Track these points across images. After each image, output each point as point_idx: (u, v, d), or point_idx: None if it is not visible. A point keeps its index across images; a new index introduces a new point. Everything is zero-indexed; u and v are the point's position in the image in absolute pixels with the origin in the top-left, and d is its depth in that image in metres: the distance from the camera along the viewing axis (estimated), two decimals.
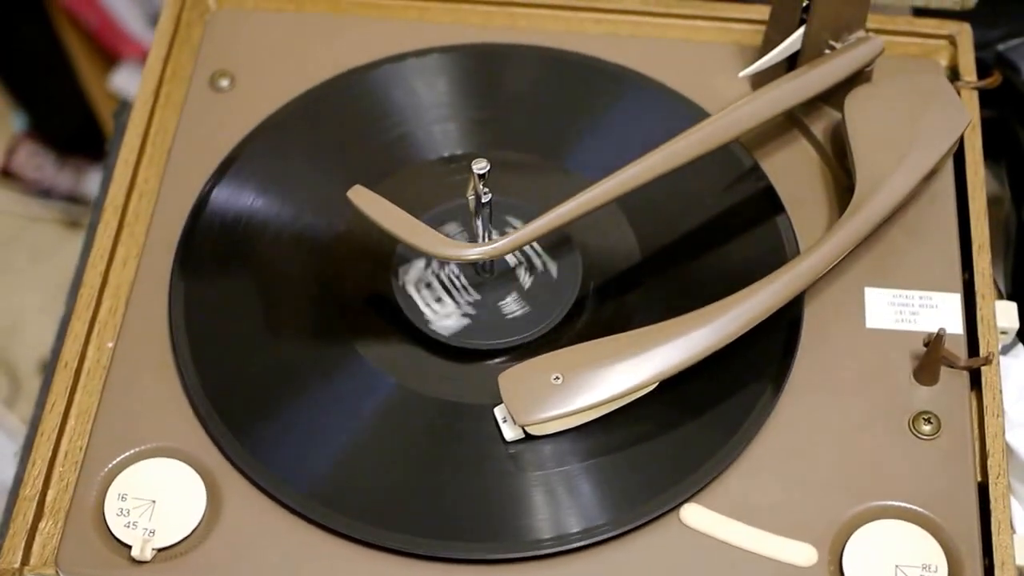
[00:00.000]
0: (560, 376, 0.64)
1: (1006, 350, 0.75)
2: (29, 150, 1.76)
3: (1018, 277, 0.77)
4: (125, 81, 1.55)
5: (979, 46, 0.82)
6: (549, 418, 0.63)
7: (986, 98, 0.80)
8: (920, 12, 0.83)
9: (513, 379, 0.64)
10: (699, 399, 0.67)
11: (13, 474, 1.45)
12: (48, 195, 1.77)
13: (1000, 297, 0.75)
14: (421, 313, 0.70)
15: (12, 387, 1.64)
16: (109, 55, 1.55)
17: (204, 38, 0.82)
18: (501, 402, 0.65)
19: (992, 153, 0.81)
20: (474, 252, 0.67)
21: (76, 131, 1.71)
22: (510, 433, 0.66)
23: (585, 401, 0.63)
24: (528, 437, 0.66)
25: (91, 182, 1.75)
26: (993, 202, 0.79)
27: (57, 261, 1.73)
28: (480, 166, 0.67)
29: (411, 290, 0.71)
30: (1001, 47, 0.84)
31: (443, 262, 0.72)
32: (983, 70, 0.80)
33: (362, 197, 0.67)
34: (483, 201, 0.69)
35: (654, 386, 0.65)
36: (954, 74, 0.80)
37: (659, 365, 0.64)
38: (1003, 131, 0.83)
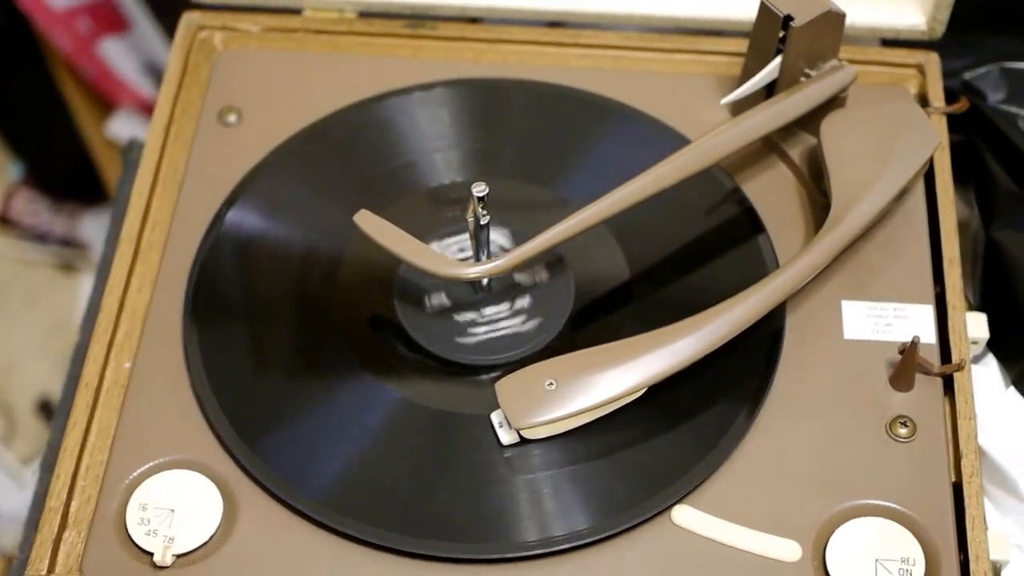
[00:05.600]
0: (554, 382, 0.67)
1: (977, 359, 0.79)
2: (26, 197, 1.78)
3: (987, 290, 0.81)
4: (121, 127, 1.57)
5: (946, 75, 0.85)
6: (543, 422, 0.67)
7: (954, 124, 0.84)
8: (889, 43, 0.87)
9: (509, 385, 0.68)
10: (689, 406, 0.71)
11: (11, 511, 1.47)
12: (43, 240, 1.79)
13: (970, 309, 0.79)
14: (482, 355, 0.74)
15: (9, 426, 1.66)
16: (106, 103, 1.57)
17: (211, 77, 0.85)
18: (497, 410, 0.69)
19: (960, 177, 0.85)
20: (474, 271, 0.70)
21: (71, 177, 1.73)
22: (506, 437, 0.69)
23: (577, 405, 0.67)
24: (523, 441, 0.69)
25: (85, 227, 1.77)
26: (962, 229, 0.82)
27: (51, 304, 1.76)
28: (479, 189, 0.71)
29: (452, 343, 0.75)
30: (968, 75, 0.88)
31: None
32: (951, 98, 0.84)
33: (367, 221, 0.71)
34: (482, 223, 0.72)
35: (643, 392, 0.69)
36: (923, 101, 0.83)
37: (647, 372, 0.67)
38: (970, 154, 0.86)
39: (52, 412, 1.34)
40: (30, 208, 1.79)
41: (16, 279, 1.79)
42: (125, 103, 1.55)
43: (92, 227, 1.77)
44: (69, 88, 1.57)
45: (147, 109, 1.53)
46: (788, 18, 0.76)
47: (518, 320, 0.75)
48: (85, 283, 1.74)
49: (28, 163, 1.77)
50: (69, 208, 1.78)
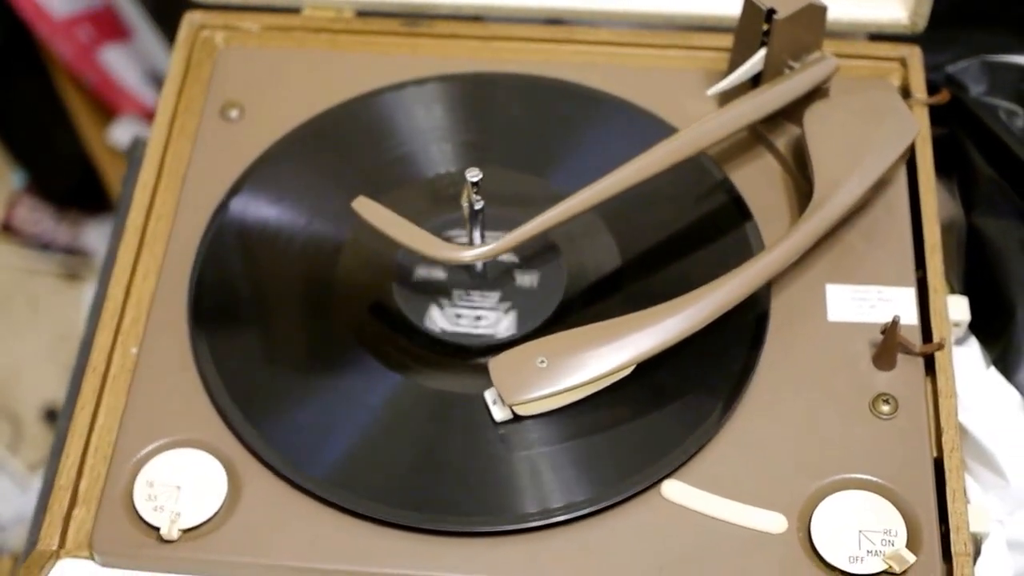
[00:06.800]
0: (545, 360, 0.69)
1: (960, 342, 0.81)
2: (29, 206, 1.79)
3: (969, 276, 0.83)
4: (123, 135, 1.58)
5: (931, 69, 0.88)
6: (535, 398, 0.69)
7: (938, 117, 0.86)
8: (875, 37, 0.90)
9: (502, 363, 0.70)
10: (678, 385, 0.73)
11: (16, 514, 1.48)
12: (47, 248, 1.81)
13: (953, 292, 0.82)
14: (478, 337, 0.76)
15: (15, 433, 1.68)
16: (108, 111, 1.58)
17: (213, 74, 0.88)
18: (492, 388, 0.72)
19: (947, 172, 0.88)
20: (469, 254, 0.73)
21: (74, 186, 1.75)
22: (499, 414, 0.71)
23: (568, 382, 0.69)
24: (517, 418, 0.71)
25: (89, 235, 1.78)
26: (949, 225, 0.85)
27: (55, 312, 1.77)
28: (473, 174, 0.73)
29: (451, 327, 0.76)
30: (950, 68, 0.90)
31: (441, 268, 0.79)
32: (935, 90, 0.86)
33: (365, 207, 0.74)
34: (476, 208, 0.75)
35: (631, 369, 0.71)
36: (906, 93, 0.85)
37: (635, 350, 0.69)
38: (953, 146, 0.89)
39: (58, 419, 1.35)
40: (33, 217, 1.80)
41: (20, 288, 1.81)
42: (127, 111, 1.57)
43: (95, 235, 1.79)
44: (71, 96, 1.59)
45: (149, 116, 1.55)
46: (771, 11, 0.78)
47: (501, 310, 0.77)
48: (89, 291, 1.75)
49: (30, 172, 1.78)
50: (72, 216, 1.80)
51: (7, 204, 1.79)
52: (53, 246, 1.81)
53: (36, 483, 1.56)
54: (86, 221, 1.79)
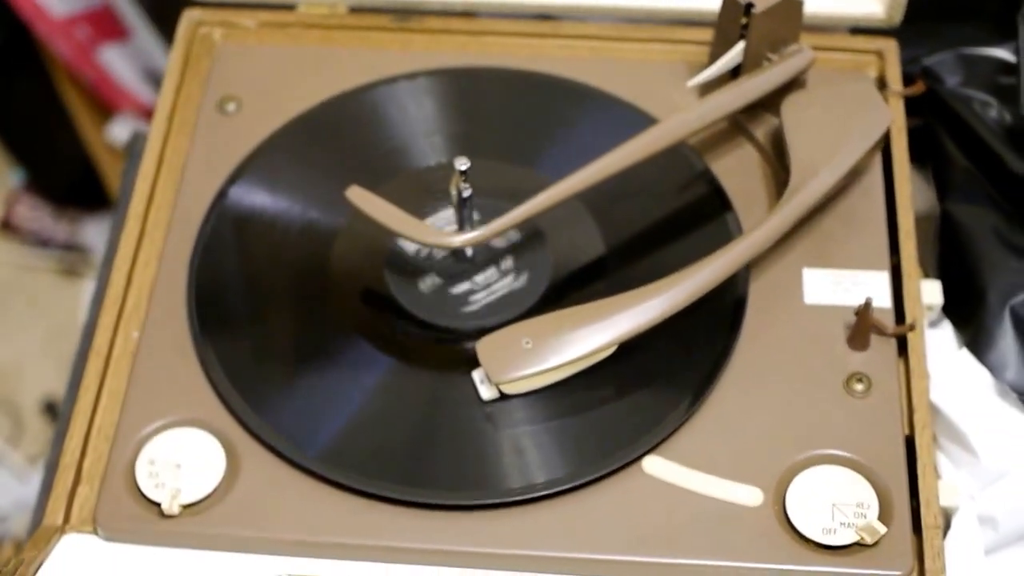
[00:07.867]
0: (530, 340, 0.72)
1: (933, 325, 0.83)
2: (28, 203, 1.81)
3: (943, 261, 0.85)
4: (122, 133, 1.59)
5: (908, 62, 0.90)
6: (521, 377, 0.72)
7: (915, 109, 0.89)
8: (855, 31, 0.92)
9: (489, 344, 0.73)
10: (660, 365, 0.75)
11: (16, 505, 1.51)
12: (46, 245, 1.83)
13: (926, 277, 0.84)
14: (467, 320, 0.78)
15: (15, 427, 1.70)
16: (106, 109, 1.60)
17: (211, 69, 0.90)
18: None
19: (922, 160, 0.90)
20: (457, 240, 0.75)
21: (73, 183, 1.77)
22: (486, 393, 0.74)
23: (552, 362, 0.72)
24: (503, 397, 0.74)
25: (87, 232, 1.80)
26: (924, 216, 0.87)
27: (54, 308, 1.79)
28: (461, 163, 0.76)
29: (441, 311, 0.79)
30: (926, 61, 0.92)
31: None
32: (911, 83, 0.89)
33: (358, 196, 0.76)
34: (464, 196, 0.77)
35: (613, 349, 0.73)
36: (882, 84, 0.88)
37: (617, 330, 0.72)
38: (929, 136, 0.91)
39: (57, 413, 1.37)
40: (32, 214, 1.82)
41: (19, 284, 1.82)
42: (125, 109, 1.58)
43: (94, 232, 1.81)
44: (70, 95, 1.61)
45: (147, 114, 1.56)
46: (750, 6, 0.81)
47: (509, 279, 0.80)
48: (88, 287, 1.77)
49: (30, 169, 1.80)
50: (71, 214, 1.81)
51: (6, 202, 1.81)
52: (52, 243, 1.83)
53: (36, 475, 1.58)
54: (84, 218, 1.81)
